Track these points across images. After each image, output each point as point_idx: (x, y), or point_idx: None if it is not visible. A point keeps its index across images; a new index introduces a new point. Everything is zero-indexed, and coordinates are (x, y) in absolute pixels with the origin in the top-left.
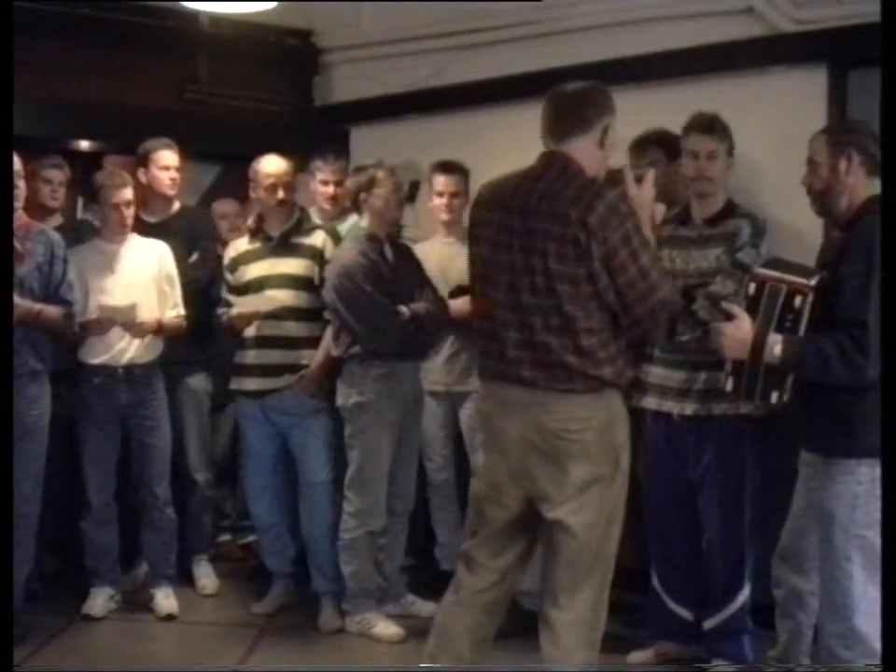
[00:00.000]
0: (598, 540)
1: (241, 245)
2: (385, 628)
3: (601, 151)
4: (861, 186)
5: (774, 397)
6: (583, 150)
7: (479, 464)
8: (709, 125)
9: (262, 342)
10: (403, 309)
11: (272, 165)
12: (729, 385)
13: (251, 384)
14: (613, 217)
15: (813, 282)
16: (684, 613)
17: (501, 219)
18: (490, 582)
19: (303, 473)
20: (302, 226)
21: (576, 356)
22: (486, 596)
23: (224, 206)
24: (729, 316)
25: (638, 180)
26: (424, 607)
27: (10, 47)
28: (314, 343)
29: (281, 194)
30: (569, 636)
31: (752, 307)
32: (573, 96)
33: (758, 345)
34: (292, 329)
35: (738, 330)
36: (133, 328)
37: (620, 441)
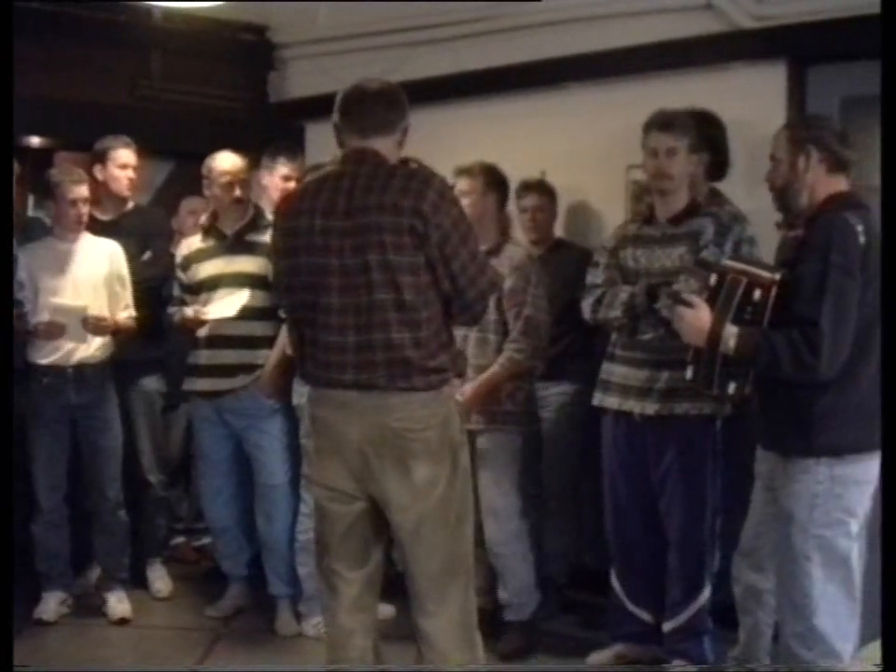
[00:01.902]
0: (450, 541)
1: (193, 243)
2: None
3: (398, 152)
4: (822, 183)
5: (731, 387)
6: (386, 150)
7: (316, 471)
8: (668, 122)
9: (216, 342)
10: None
11: (227, 162)
12: (689, 374)
13: (205, 384)
14: (444, 203)
15: (777, 276)
16: (644, 615)
17: (323, 224)
18: (358, 591)
19: (260, 474)
20: (257, 223)
21: (415, 348)
22: (360, 604)
23: (193, 203)
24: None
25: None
26: (381, 609)
27: (10, 47)
28: (269, 342)
29: (237, 192)
30: (445, 640)
31: (714, 298)
32: (380, 95)
33: (715, 335)
34: (247, 328)
35: (696, 318)
36: (92, 325)
37: (457, 438)
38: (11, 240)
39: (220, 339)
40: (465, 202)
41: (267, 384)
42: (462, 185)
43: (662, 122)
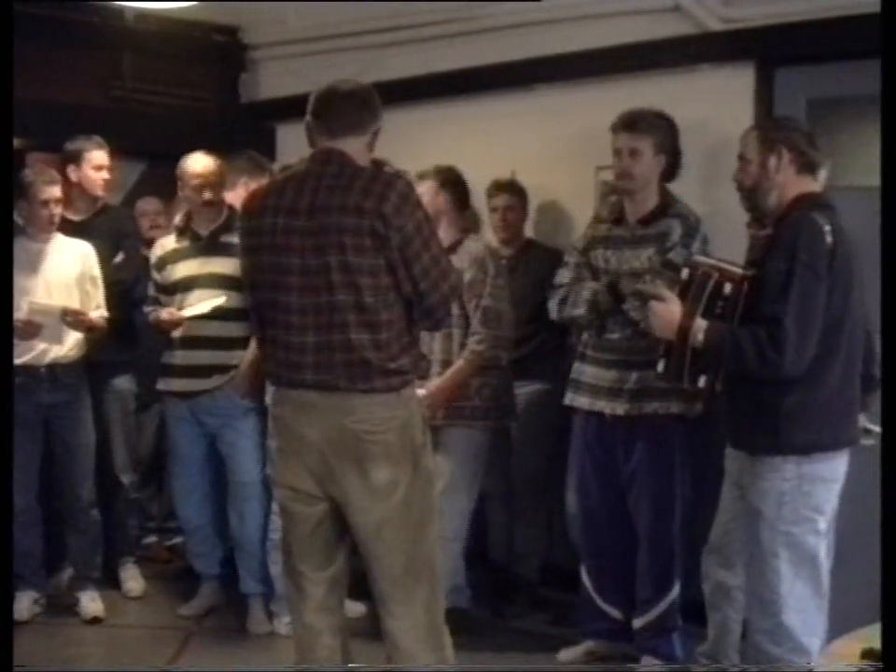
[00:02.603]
0: (411, 544)
1: (168, 243)
2: None
3: (368, 154)
4: (791, 183)
5: (702, 381)
6: (353, 151)
7: (279, 472)
8: (632, 123)
9: (191, 342)
10: None
11: (198, 164)
12: (660, 367)
13: (180, 384)
14: (406, 206)
15: (749, 272)
16: (614, 612)
17: (286, 223)
18: (324, 592)
19: (233, 473)
20: (231, 224)
21: (375, 350)
22: (327, 605)
23: (145, 205)
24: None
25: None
26: (352, 607)
27: (10, 47)
28: (243, 342)
29: (208, 195)
30: (411, 641)
31: (685, 293)
32: (351, 96)
33: (684, 329)
34: (221, 328)
35: (667, 312)
36: (71, 320)
37: (419, 440)
38: (11, 239)
39: (195, 339)
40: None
41: (241, 384)
42: (419, 188)
43: (626, 123)
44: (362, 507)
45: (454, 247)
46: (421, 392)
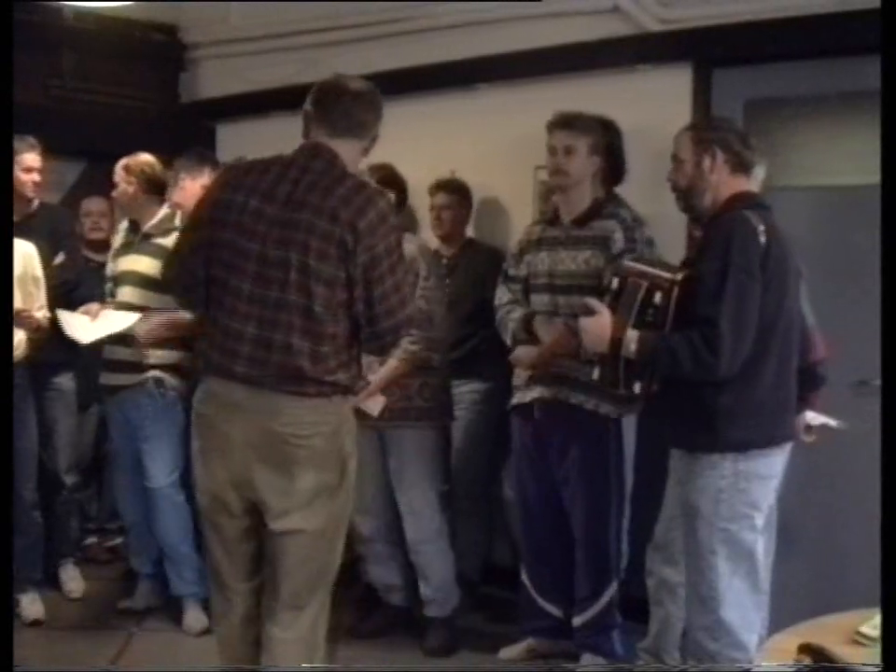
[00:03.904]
0: (323, 553)
1: (118, 239)
2: None
3: (362, 158)
4: (725, 183)
5: (637, 387)
6: (350, 153)
7: (200, 477)
8: (567, 121)
9: (115, 337)
10: None
11: (127, 160)
12: (596, 374)
13: (105, 378)
14: (382, 226)
15: (677, 276)
16: (554, 609)
17: (257, 206)
18: (250, 603)
19: (145, 478)
20: (163, 225)
21: (312, 361)
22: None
23: (91, 204)
24: (590, 311)
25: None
26: None
27: (10, 47)
28: (163, 341)
29: (131, 187)
30: (288, 655)
31: (615, 301)
32: (360, 96)
33: (617, 339)
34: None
35: (598, 325)
36: (22, 318)
37: (347, 447)
38: (11, 239)
39: (118, 335)
40: None
41: (148, 335)
42: None
43: (561, 121)
44: (282, 511)
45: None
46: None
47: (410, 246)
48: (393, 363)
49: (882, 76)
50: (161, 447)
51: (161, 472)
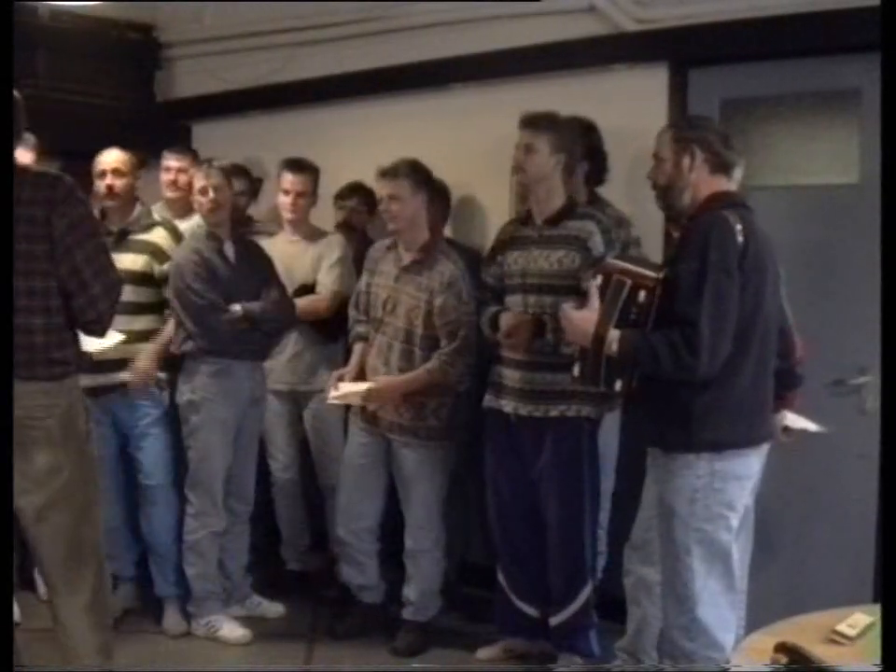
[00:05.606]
0: (75, 528)
1: None
2: (232, 631)
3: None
4: (704, 183)
5: (618, 385)
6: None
7: None
8: (528, 120)
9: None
10: (235, 308)
11: (105, 155)
12: (576, 370)
13: (88, 380)
14: (71, 197)
15: (661, 275)
16: (530, 610)
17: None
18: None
19: (141, 475)
20: (141, 222)
21: (44, 335)
22: None
23: None
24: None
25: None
26: (270, 608)
27: (10, 47)
28: (147, 336)
29: (108, 179)
30: (77, 622)
31: (599, 298)
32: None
33: (599, 337)
34: (126, 323)
35: (583, 320)
36: None
37: (82, 428)
38: (11, 238)
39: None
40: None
41: (139, 377)
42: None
43: (524, 120)
44: (25, 490)
45: (420, 261)
46: (367, 385)
47: (452, 267)
48: (420, 372)
49: (882, 76)
50: (157, 444)
51: (160, 470)
